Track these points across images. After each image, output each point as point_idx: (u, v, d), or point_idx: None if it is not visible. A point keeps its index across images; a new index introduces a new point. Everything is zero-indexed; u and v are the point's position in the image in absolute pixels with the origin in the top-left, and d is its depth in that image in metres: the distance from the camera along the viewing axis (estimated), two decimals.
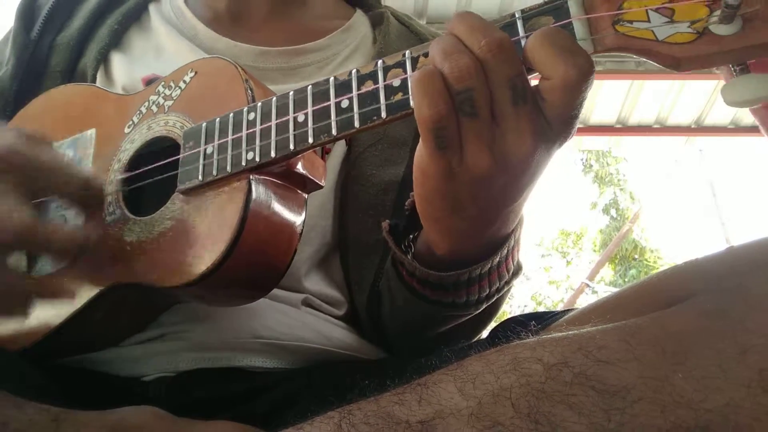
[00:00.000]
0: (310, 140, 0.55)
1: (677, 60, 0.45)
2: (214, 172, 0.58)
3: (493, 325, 0.69)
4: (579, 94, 0.45)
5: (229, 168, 0.58)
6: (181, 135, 0.63)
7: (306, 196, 0.64)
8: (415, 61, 0.52)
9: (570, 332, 0.41)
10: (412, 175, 0.53)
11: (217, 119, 0.60)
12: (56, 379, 0.61)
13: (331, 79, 0.55)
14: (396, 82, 0.52)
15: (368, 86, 0.53)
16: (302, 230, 0.62)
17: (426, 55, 0.50)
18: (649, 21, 0.45)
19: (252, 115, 0.58)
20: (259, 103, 0.58)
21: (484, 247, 0.59)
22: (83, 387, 0.62)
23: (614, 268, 12.46)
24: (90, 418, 0.50)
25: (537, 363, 0.39)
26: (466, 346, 0.69)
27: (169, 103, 0.66)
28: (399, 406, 0.40)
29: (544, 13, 0.48)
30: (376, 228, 0.65)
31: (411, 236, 0.66)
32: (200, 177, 0.59)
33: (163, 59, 0.82)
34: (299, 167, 0.61)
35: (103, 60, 0.82)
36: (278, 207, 0.60)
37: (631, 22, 0.46)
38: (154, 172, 0.64)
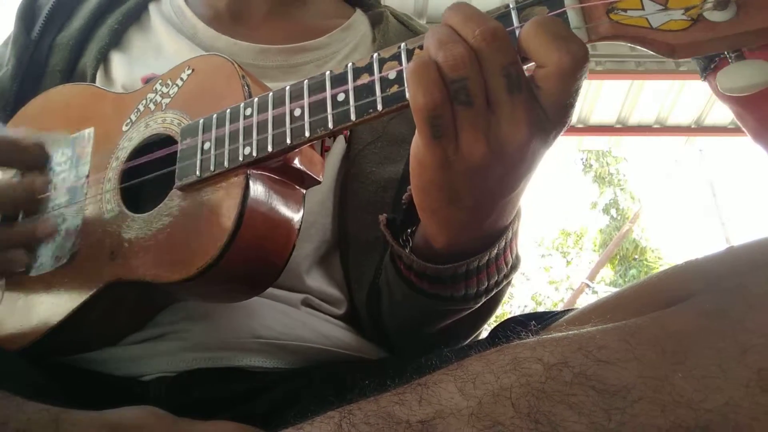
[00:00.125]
0: (307, 134, 0.55)
1: (672, 47, 0.45)
2: (212, 168, 0.58)
3: (493, 324, 0.69)
4: (574, 82, 0.46)
5: (226, 163, 0.58)
6: (178, 132, 0.63)
7: (304, 191, 0.64)
8: (410, 53, 0.52)
9: (570, 332, 0.41)
10: None
11: (214, 115, 0.60)
12: (56, 378, 0.61)
13: (327, 72, 0.55)
14: (392, 75, 0.52)
15: (364, 79, 0.53)
16: (300, 226, 0.62)
17: (422, 47, 0.50)
18: (643, 9, 0.45)
19: (249, 111, 0.58)
20: (256, 99, 0.59)
21: (482, 239, 0.59)
22: (83, 387, 0.62)
23: (614, 268, 12.47)
24: (90, 417, 0.50)
25: (537, 363, 0.39)
26: (466, 346, 0.69)
27: (167, 100, 0.66)
28: (399, 406, 0.40)
29: (539, 3, 0.48)
30: (376, 225, 0.65)
31: (409, 230, 0.66)
32: (198, 173, 0.59)
33: (162, 58, 0.82)
34: (296, 162, 0.61)
35: (103, 59, 0.82)
36: (276, 202, 0.60)
37: (625, 10, 0.46)
38: (152, 169, 0.64)
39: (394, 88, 0.51)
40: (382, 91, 0.52)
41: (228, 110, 0.60)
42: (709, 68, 0.98)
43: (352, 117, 0.53)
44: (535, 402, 0.37)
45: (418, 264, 0.61)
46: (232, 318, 0.67)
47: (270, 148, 0.56)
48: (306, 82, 0.56)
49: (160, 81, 0.68)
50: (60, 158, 0.71)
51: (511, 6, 0.49)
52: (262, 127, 0.57)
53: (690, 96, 4.47)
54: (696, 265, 0.48)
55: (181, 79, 0.66)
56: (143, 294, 0.63)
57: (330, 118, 0.54)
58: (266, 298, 0.69)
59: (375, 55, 0.53)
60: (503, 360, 0.40)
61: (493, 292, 0.66)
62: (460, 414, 0.38)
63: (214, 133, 0.60)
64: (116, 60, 0.82)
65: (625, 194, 13.46)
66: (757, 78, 0.44)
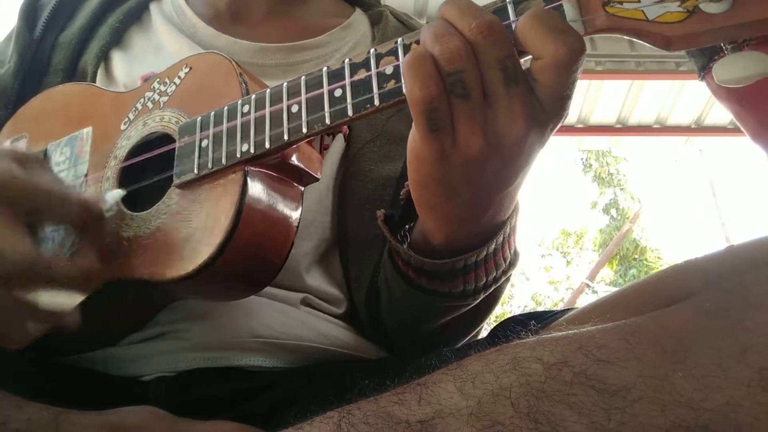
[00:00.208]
0: (304, 130, 0.55)
1: (668, 39, 0.45)
2: (210, 165, 0.58)
3: (492, 324, 0.68)
4: (570, 74, 0.46)
5: (224, 160, 0.58)
6: (176, 130, 0.63)
7: (302, 189, 0.64)
8: (407, 48, 0.52)
9: (570, 331, 0.41)
10: None
11: (212, 113, 0.60)
12: (55, 378, 0.61)
13: (324, 68, 0.55)
14: (389, 70, 0.52)
15: (361, 74, 0.53)
16: (299, 223, 0.62)
17: (418, 42, 0.50)
18: (639, 1, 0.45)
19: (246, 108, 0.58)
20: (253, 96, 0.59)
21: (480, 234, 0.59)
22: (83, 387, 0.62)
23: (614, 268, 12.47)
24: (89, 418, 0.50)
25: (537, 362, 0.39)
26: (466, 346, 0.69)
27: (165, 99, 0.66)
28: (399, 406, 0.40)
29: None
30: (375, 224, 0.65)
31: (407, 226, 0.66)
32: (196, 170, 0.59)
33: (162, 57, 0.82)
34: (294, 159, 0.61)
35: (104, 58, 0.83)
36: (274, 199, 0.60)
37: (621, 2, 0.46)
38: (151, 168, 0.64)
39: (391, 83, 0.51)
40: (379, 86, 0.52)
41: (225, 108, 0.60)
42: (706, 68, 0.98)
43: (350, 113, 0.53)
44: (534, 402, 0.37)
45: (416, 259, 0.61)
46: (231, 317, 0.67)
47: (267, 145, 0.56)
48: (303, 78, 0.56)
49: (158, 79, 0.68)
50: (59, 158, 0.71)
51: (507, 0, 0.49)
52: (259, 124, 0.57)
53: (690, 96, 4.46)
54: (696, 264, 0.48)
55: (179, 77, 0.66)
56: (142, 293, 0.63)
57: (327, 114, 0.54)
58: (265, 297, 0.69)
59: (372, 50, 0.53)
60: (503, 359, 0.40)
61: (492, 289, 0.66)
62: (459, 414, 0.38)
63: (212, 130, 0.59)
64: (117, 59, 0.83)
65: (625, 194, 13.46)
66: (753, 69, 0.44)
